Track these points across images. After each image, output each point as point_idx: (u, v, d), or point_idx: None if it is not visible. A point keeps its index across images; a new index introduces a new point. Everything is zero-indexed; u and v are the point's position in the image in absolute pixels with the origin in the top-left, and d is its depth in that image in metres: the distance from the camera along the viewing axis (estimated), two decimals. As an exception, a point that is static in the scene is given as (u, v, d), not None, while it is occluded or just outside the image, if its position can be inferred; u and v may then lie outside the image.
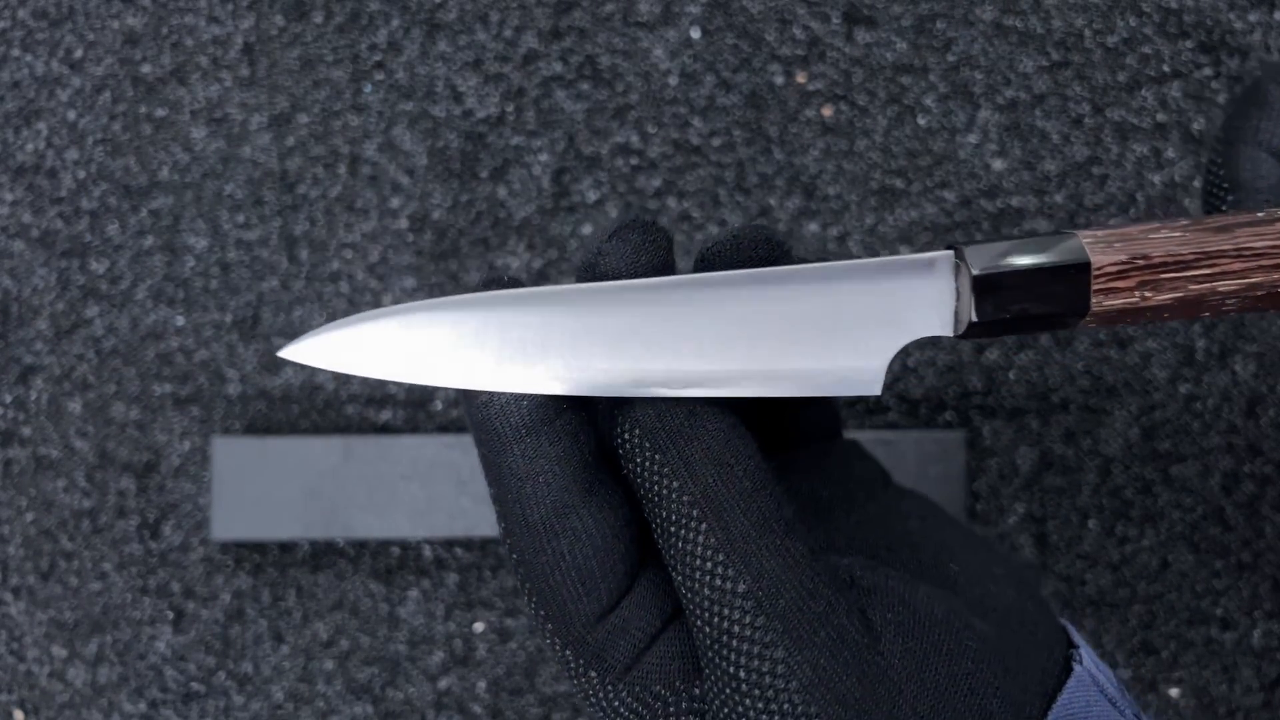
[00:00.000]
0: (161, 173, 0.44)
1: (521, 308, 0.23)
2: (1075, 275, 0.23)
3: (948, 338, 0.24)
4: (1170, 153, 0.43)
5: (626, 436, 0.23)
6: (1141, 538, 0.42)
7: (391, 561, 0.43)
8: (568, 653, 0.24)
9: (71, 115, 0.44)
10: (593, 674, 0.23)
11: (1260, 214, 0.25)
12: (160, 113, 0.44)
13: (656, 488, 0.23)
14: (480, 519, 0.41)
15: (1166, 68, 0.43)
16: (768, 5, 0.43)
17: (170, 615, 0.43)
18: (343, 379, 0.43)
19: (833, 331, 0.23)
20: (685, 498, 0.22)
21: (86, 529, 0.43)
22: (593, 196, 0.43)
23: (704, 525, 0.22)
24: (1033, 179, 0.43)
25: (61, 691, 0.43)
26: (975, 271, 0.23)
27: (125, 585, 0.43)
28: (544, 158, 0.43)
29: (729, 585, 0.22)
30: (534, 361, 0.23)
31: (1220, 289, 0.24)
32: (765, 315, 0.23)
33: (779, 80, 0.43)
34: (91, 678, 0.43)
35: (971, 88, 0.43)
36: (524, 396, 0.23)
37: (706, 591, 0.22)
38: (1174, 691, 0.42)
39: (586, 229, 0.43)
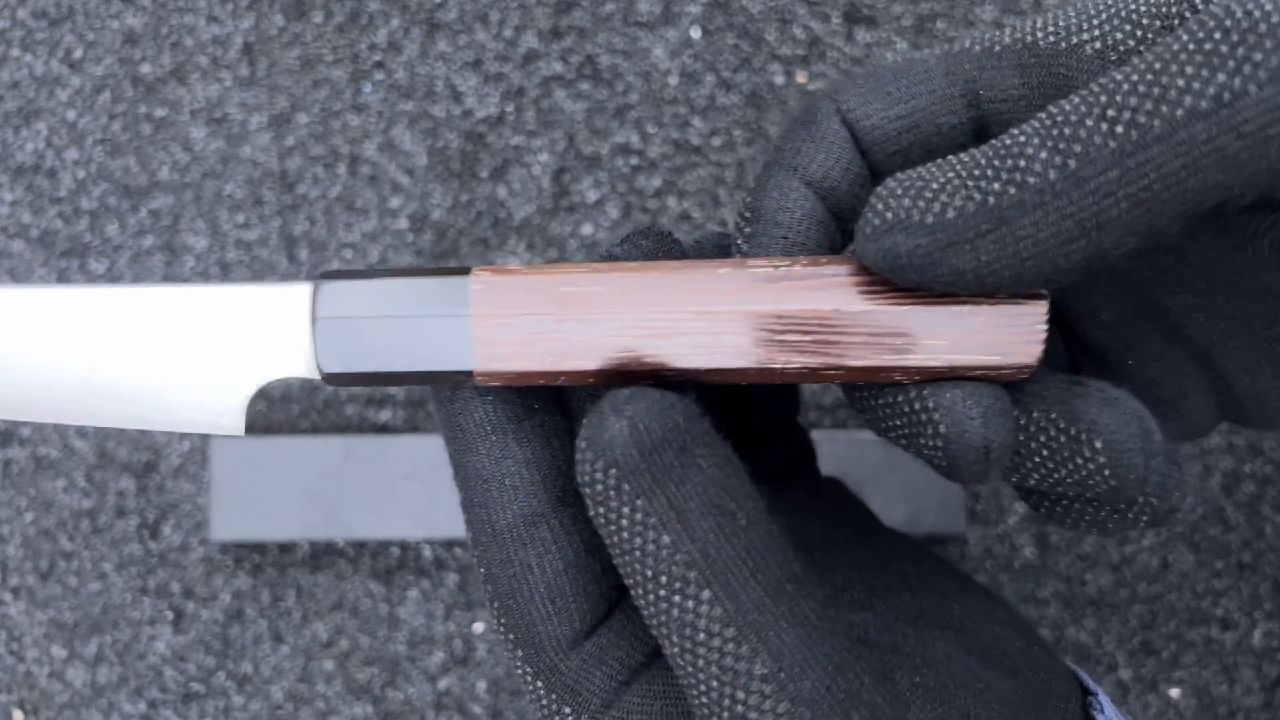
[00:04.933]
0: (161, 172, 0.44)
1: None
2: (450, 329, 0.20)
3: (316, 380, 0.21)
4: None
5: (599, 477, 0.19)
6: (1142, 538, 0.42)
7: (391, 562, 0.43)
8: (539, 684, 0.21)
9: (71, 115, 0.44)
10: (567, 711, 0.21)
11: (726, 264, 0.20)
12: (160, 112, 0.44)
13: (639, 541, 0.19)
14: (480, 519, 0.41)
15: (1167, 67, 0.43)
16: (768, 5, 0.43)
17: (170, 615, 0.43)
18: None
19: (188, 363, 0.20)
20: (680, 557, 0.18)
21: (86, 529, 0.43)
22: (593, 196, 0.43)
23: (707, 593, 0.18)
24: (1033, 179, 0.43)
25: (61, 692, 0.43)
26: (320, 315, 0.20)
27: (125, 585, 0.43)
28: (544, 158, 0.43)
29: (743, 666, 0.18)
30: None
31: (650, 357, 0.20)
32: (120, 337, 0.20)
33: (779, 80, 0.43)
34: (91, 678, 0.43)
35: (972, 87, 0.43)
36: (490, 391, 0.21)
37: (715, 670, 0.19)
38: (1174, 692, 0.42)
39: (586, 229, 0.43)
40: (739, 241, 0.22)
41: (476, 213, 0.43)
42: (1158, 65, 0.17)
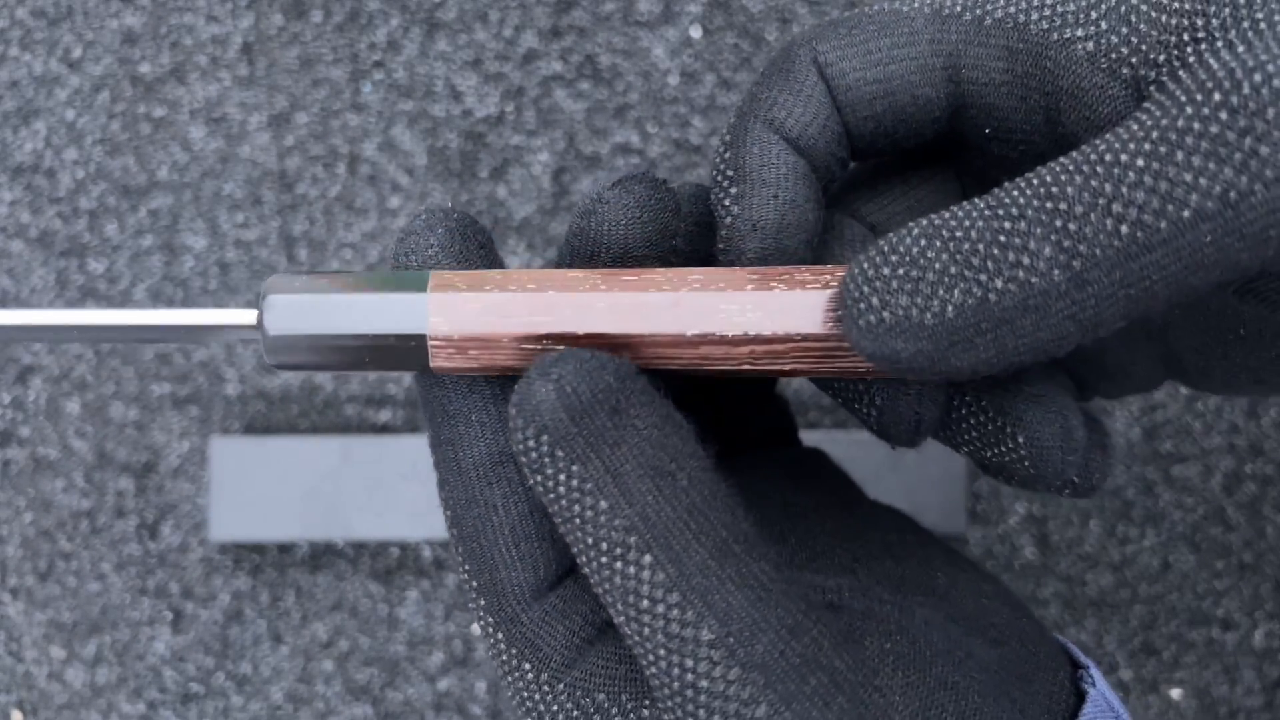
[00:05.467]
0: (160, 172, 0.44)
1: None
2: (406, 347, 0.20)
3: None
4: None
5: (532, 444, 0.18)
6: (1143, 538, 0.42)
7: (391, 562, 0.43)
8: (499, 635, 0.21)
9: (70, 114, 0.44)
10: (526, 667, 0.20)
11: (752, 272, 0.20)
12: (159, 112, 0.44)
13: (578, 508, 0.18)
14: (480, 519, 0.41)
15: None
16: (768, 5, 0.43)
17: (169, 616, 0.43)
18: (341, 379, 0.43)
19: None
20: (619, 522, 0.18)
21: (85, 529, 0.43)
22: (592, 196, 0.43)
23: (648, 558, 0.18)
24: (1034, 178, 0.43)
25: (60, 692, 0.43)
26: (270, 333, 0.20)
27: (124, 586, 0.43)
28: (544, 157, 0.43)
29: (689, 633, 0.18)
30: None
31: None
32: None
33: (779, 79, 0.43)
34: (90, 678, 0.43)
35: (972, 87, 0.43)
36: None
37: (661, 639, 0.18)
38: (1175, 693, 0.42)
39: (586, 229, 0.43)
40: (726, 203, 0.21)
41: (476, 212, 0.43)
42: (1163, 150, 0.17)
